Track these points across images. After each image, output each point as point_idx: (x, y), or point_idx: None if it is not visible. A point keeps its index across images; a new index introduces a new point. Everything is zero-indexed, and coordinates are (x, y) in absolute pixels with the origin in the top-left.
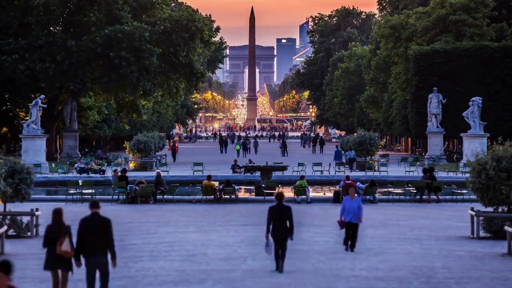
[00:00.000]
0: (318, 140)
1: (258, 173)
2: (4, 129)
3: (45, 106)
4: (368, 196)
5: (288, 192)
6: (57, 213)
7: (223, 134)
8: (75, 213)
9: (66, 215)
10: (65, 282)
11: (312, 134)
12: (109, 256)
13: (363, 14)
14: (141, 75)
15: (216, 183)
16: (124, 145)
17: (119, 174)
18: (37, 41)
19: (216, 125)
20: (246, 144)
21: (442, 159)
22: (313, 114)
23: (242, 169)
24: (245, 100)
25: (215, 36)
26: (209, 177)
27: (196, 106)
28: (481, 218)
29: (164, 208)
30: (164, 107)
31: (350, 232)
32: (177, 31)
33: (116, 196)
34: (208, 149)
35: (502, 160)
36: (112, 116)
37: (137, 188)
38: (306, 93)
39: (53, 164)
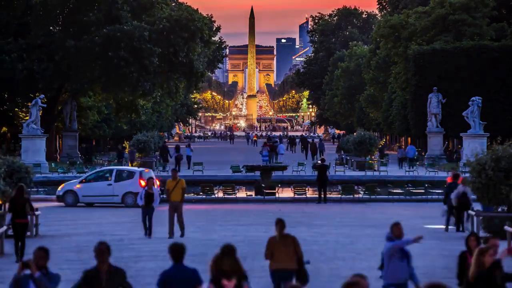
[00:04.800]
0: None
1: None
2: (4, 128)
3: (45, 105)
4: None
5: (288, 192)
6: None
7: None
8: (74, 213)
9: (66, 215)
10: None
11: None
12: None
13: (364, 14)
14: (140, 75)
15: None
16: (124, 145)
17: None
18: (36, 40)
19: (216, 124)
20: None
21: (442, 159)
22: (313, 114)
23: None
24: (245, 99)
25: (215, 36)
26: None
27: (196, 106)
28: (481, 218)
29: (164, 208)
30: (164, 107)
31: None
32: (177, 31)
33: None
34: (209, 149)
35: (501, 160)
36: (112, 116)
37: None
38: (305, 93)
39: (52, 163)
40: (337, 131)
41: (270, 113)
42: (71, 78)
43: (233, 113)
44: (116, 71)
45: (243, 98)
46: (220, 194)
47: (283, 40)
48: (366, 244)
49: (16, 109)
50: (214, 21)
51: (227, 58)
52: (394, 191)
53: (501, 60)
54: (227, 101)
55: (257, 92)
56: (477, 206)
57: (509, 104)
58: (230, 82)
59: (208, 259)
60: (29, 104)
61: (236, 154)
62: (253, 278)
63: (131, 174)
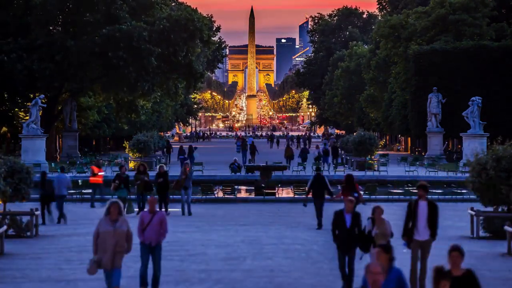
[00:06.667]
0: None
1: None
2: (4, 128)
3: (45, 105)
4: None
5: (288, 192)
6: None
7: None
8: (74, 213)
9: (66, 215)
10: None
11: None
12: None
13: (365, 14)
14: (139, 75)
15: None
16: (124, 145)
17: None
18: (36, 40)
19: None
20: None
21: (442, 159)
22: (313, 114)
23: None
24: (244, 99)
25: (215, 36)
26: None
27: (195, 106)
28: (481, 218)
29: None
30: (164, 107)
31: None
32: (176, 31)
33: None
34: (210, 148)
35: (501, 160)
36: (112, 115)
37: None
38: (305, 93)
39: (52, 163)
40: (337, 131)
41: (270, 113)
42: (71, 78)
43: (233, 113)
44: (115, 71)
45: (243, 98)
46: (220, 194)
47: (283, 40)
48: None
49: (16, 109)
50: (214, 21)
51: (227, 58)
52: (394, 191)
53: (501, 60)
54: (227, 101)
55: (257, 92)
56: (477, 206)
57: (509, 104)
58: (230, 82)
59: (207, 258)
60: (29, 104)
61: None
62: (253, 278)
63: None
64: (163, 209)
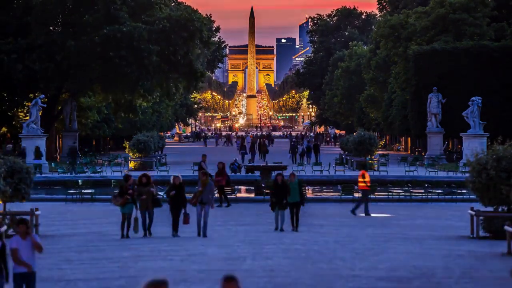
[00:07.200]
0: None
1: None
2: (4, 129)
3: (45, 105)
4: None
5: None
6: None
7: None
8: (74, 213)
9: (66, 215)
10: None
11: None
12: None
13: (364, 14)
14: (140, 74)
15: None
16: (124, 145)
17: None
18: (36, 40)
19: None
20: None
21: (442, 159)
22: (313, 114)
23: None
24: (244, 99)
25: (215, 36)
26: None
27: (195, 106)
28: (481, 218)
29: (163, 208)
30: (164, 107)
31: None
32: (176, 31)
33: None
34: (210, 149)
35: (502, 160)
36: (112, 115)
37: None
38: (305, 93)
39: (52, 163)
40: (337, 131)
41: (270, 113)
42: (70, 78)
43: (233, 113)
44: (116, 71)
45: (242, 97)
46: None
47: (283, 40)
48: (366, 244)
49: (16, 109)
50: (214, 21)
51: (227, 58)
52: (394, 191)
53: (501, 60)
54: (227, 101)
55: (257, 92)
56: (477, 206)
57: (509, 104)
58: (230, 82)
59: (207, 258)
60: (29, 104)
61: None
62: (253, 278)
63: None
64: (174, 232)
